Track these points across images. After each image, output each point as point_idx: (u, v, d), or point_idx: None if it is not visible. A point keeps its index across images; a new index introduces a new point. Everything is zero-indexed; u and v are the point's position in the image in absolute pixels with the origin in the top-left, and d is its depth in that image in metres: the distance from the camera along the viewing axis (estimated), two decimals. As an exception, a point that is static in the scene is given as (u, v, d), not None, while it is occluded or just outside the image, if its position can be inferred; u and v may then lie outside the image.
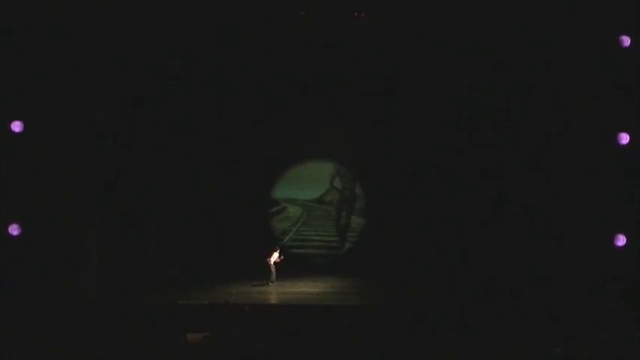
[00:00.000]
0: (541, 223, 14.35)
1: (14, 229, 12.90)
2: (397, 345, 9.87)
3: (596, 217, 13.18)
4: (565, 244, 13.69)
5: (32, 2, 12.98)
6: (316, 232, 18.81)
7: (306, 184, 18.70)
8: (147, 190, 16.83)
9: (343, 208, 18.83)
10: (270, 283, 16.12)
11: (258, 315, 11.98)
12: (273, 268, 16.27)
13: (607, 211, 13.08)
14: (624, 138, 12.94)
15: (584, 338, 10.38)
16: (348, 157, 18.67)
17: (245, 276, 16.55)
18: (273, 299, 14.79)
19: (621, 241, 12.92)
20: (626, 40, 12.84)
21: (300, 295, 15.47)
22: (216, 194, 17.77)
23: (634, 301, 12.62)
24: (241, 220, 18.14)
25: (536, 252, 14.29)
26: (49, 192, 13.22)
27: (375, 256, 18.07)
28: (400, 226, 17.96)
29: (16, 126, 12.90)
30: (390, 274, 17.15)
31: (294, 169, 18.63)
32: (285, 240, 18.49)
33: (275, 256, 16.41)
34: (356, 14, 14.80)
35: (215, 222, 17.73)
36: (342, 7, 14.73)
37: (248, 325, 11.12)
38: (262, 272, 16.47)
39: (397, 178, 18.11)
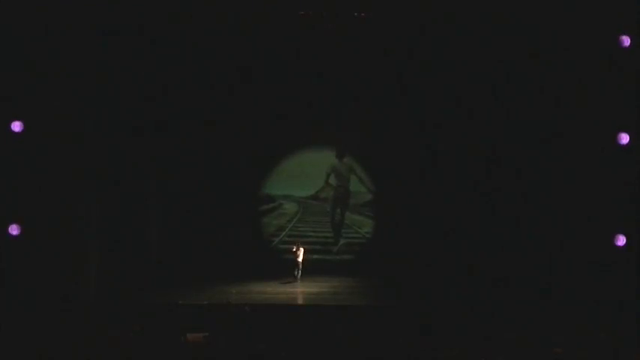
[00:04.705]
0: (541, 223, 14.35)
1: (14, 229, 12.90)
2: (397, 345, 9.87)
3: (596, 217, 13.17)
4: (565, 244, 13.68)
5: (32, 2, 12.98)
6: (312, 229, 18.91)
7: (302, 181, 18.81)
8: (147, 190, 16.84)
9: (338, 204, 18.95)
10: (298, 279, 16.70)
11: (258, 315, 11.99)
12: (300, 265, 16.81)
13: (607, 211, 13.08)
14: (624, 138, 12.94)
15: (584, 338, 10.38)
16: (344, 154, 18.69)
17: (245, 276, 16.57)
18: (272, 299, 14.78)
19: (621, 241, 12.92)
20: (626, 40, 12.83)
21: (300, 295, 15.49)
22: (214, 193, 17.76)
23: (634, 301, 12.63)
24: (240, 219, 18.16)
25: (537, 252, 14.30)
26: (49, 192, 13.22)
27: (375, 256, 18.09)
28: (401, 226, 17.96)
29: (16, 126, 12.90)
30: (390, 274, 17.15)
31: (290, 166, 18.67)
32: (282, 235, 18.59)
33: (301, 254, 16.86)
34: (356, 14, 14.82)
35: (214, 221, 17.72)
36: (342, 7, 14.76)
37: (248, 325, 11.13)
38: (265, 272, 16.75)
39: (396, 177, 18.12)
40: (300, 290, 15.91)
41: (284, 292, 15.61)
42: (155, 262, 16.79)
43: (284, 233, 18.56)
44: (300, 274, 16.78)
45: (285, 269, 16.92)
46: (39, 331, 10.59)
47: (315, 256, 17.91)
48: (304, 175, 18.83)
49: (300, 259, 16.79)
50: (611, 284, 12.82)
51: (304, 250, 17.03)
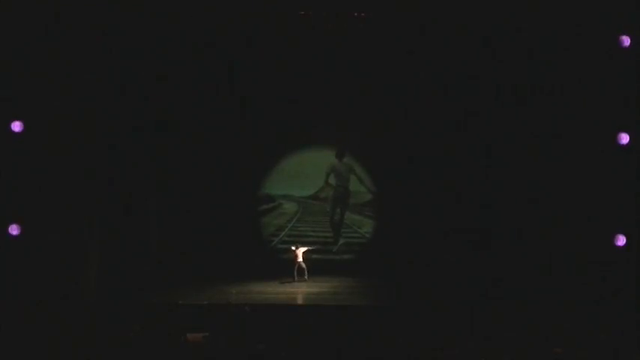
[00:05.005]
0: (541, 222, 14.35)
1: (14, 229, 12.90)
2: (397, 345, 9.87)
3: (596, 217, 13.17)
4: (565, 244, 13.68)
5: (32, 2, 12.98)
6: (311, 229, 18.93)
7: (302, 181, 18.82)
8: (147, 190, 16.84)
9: (338, 204, 18.96)
10: (306, 279, 16.56)
11: (258, 315, 11.99)
12: (303, 264, 16.61)
13: (607, 211, 13.08)
14: (624, 138, 12.94)
15: (584, 338, 10.38)
16: (344, 154, 18.69)
17: (245, 276, 16.57)
18: (272, 299, 14.78)
19: (621, 241, 12.92)
20: (626, 40, 12.83)
21: (301, 295, 15.48)
22: (214, 193, 17.75)
23: (634, 301, 12.63)
24: (240, 219, 18.17)
25: (536, 251, 14.30)
26: (49, 192, 13.21)
27: (375, 256, 18.09)
28: (401, 226, 17.95)
29: (16, 126, 12.90)
30: (390, 274, 17.15)
31: (290, 166, 18.68)
32: (282, 235, 18.60)
33: (300, 254, 16.69)
34: (356, 14, 14.83)
35: (214, 221, 17.71)
36: (342, 7, 14.77)
37: (248, 325, 11.13)
38: (265, 272, 16.81)
39: (396, 177, 18.12)
40: (300, 290, 15.91)
41: (284, 292, 15.61)
42: (155, 262, 16.79)
43: (283, 233, 18.58)
44: (306, 275, 16.58)
45: (285, 269, 16.90)
46: (39, 331, 10.58)
47: (314, 256, 17.92)
48: (304, 175, 18.83)
49: (300, 259, 16.69)
50: (611, 284, 12.82)
51: (304, 251, 16.86)
